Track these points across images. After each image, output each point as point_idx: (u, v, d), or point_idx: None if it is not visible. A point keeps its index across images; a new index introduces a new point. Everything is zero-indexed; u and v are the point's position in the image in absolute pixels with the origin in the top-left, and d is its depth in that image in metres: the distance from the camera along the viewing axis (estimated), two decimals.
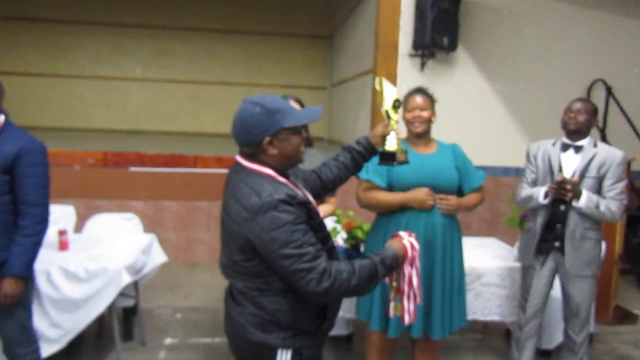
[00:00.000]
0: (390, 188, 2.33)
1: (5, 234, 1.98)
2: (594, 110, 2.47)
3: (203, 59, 8.63)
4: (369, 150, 1.77)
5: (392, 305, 1.66)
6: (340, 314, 2.79)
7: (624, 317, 3.68)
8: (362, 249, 2.79)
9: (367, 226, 2.76)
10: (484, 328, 3.43)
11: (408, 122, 2.35)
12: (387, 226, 2.35)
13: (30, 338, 2.13)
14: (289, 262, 1.32)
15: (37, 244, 1.99)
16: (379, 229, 2.40)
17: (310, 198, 1.55)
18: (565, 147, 2.48)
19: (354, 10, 6.44)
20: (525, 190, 2.51)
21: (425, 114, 2.29)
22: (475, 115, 4.63)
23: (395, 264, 1.53)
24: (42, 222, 1.99)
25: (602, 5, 4.62)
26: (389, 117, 1.74)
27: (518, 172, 4.69)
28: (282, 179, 1.44)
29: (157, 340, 3.13)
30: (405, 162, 1.77)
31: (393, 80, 4.57)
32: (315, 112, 1.48)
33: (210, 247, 4.66)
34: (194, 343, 3.13)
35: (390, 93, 1.77)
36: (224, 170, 1.88)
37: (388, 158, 1.74)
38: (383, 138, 1.74)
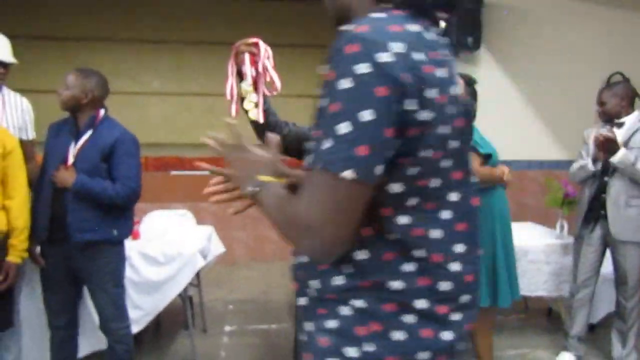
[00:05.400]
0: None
1: (100, 217, 2.13)
2: (622, 91, 2.67)
3: (218, 71, 8.82)
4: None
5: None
6: None
7: None
8: None
9: None
10: (526, 308, 3.58)
11: None
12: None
13: (122, 314, 2.28)
14: None
15: (107, 197, 2.09)
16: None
17: None
18: (610, 125, 2.69)
19: None
20: (578, 163, 2.72)
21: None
22: (498, 111, 4.80)
23: None
24: (129, 194, 2.13)
25: (612, 2, 4.85)
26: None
27: (541, 165, 4.89)
28: None
29: (217, 328, 3.27)
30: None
31: None
32: None
33: (247, 245, 4.80)
34: (252, 329, 3.27)
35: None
36: None
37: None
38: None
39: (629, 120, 2.65)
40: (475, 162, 2.35)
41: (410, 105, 0.73)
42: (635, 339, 2.71)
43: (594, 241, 2.68)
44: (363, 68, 0.71)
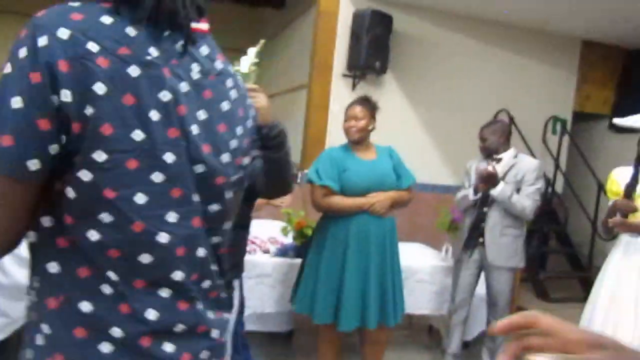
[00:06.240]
0: (342, 193, 2.55)
1: None
2: (500, 129, 2.94)
3: None
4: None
5: None
6: (280, 309, 2.94)
7: None
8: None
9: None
10: (409, 325, 3.76)
11: (345, 130, 2.61)
12: (335, 227, 2.57)
13: None
14: None
15: None
16: (326, 229, 2.59)
17: None
18: (490, 160, 2.94)
19: (285, 29, 6.72)
20: (461, 192, 2.93)
21: (360, 123, 2.56)
22: (398, 134, 5.03)
23: None
24: None
25: (506, 46, 5.31)
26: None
27: (434, 189, 5.18)
28: None
29: None
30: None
31: (326, 97, 4.87)
32: None
33: None
34: None
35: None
36: None
37: None
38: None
39: (505, 156, 2.91)
40: (314, 194, 2.52)
41: (67, 96, 0.67)
42: None
43: (471, 265, 2.90)
44: (22, 52, 0.67)
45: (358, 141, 2.59)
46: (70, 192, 0.71)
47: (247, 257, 2.86)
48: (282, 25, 6.84)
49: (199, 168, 0.79)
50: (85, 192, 0.71)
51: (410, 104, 5.09)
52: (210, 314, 0.84)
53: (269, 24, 7.81)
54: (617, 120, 3.37)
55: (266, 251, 3.06)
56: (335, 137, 4.61)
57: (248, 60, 1.56)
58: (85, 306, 0.73)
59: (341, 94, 4.83)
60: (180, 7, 0.77)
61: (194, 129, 0.77)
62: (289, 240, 3.06)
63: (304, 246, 3.00)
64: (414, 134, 5.13)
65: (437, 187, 5.08)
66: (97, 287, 0.73)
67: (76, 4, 0.72)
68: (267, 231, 3.25)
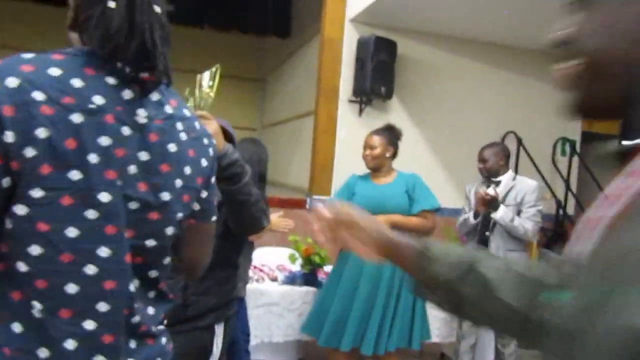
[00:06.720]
0: None
1: None
2: (500, 151, 2.94)
3: None
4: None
5: None
6: (288, 338, 2.91)
7: None
8: (319, 274, 2.97)
9: (324, 252, 2.96)
10: (421, 353, 3.68)
11: (363, 159, 2.68)
12: (343, 253, 2.58)
13: None
14: None
15: None
16: (339, 256, 2.63)
17: None
18: (489, 183, 2.95)
19: (290, 57, 6.81)
20: (462, 217, 2.92)
21: (375, 151, 2.61)
22: (405, 158, 5.03)
23: None
24: None
25: (510, 67, 5.33)
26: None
27: (442, 212, 5.14)
28: None
29: None
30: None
31: (333, 123, 4.89)
32: None
33: None
34: None
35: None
36: None
37: None
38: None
39: (504, 178, 2.91)
40: None
41: (9, 137, 0.75)
42: None
43: None
44: None
45: (374, 168, 2.65)
46: (8, 223, 0.78)
47: (255, 286, 2.86)
48: (288, 54, 6.93)
49: (133, 205, 0.85)
50: (19, 224, 0.78)
51: (417, 128, 5.10)
52: (133, 344, 0.89)
53: (274, 53, 7.93)
54: (626, 143, 3.34)
55: (274, 279, 3.03)
56: (343, 162, 4.62)
57: (202, 85, 1.53)
58: (16, 327, 0.79)
59: (348, 119, 4.86)
60: (162, 66, 0.86)
61: (132, 169, 0.84)
62: (297, 267, 3.04)
63: (312, 273, 2.99)
64: (421, 158, 5.11)
65: (444, 210, 5.02)
66: (28, 310, 0.79)
67: (29, 56, 0.80)
68: (275, 258, 3.24)
